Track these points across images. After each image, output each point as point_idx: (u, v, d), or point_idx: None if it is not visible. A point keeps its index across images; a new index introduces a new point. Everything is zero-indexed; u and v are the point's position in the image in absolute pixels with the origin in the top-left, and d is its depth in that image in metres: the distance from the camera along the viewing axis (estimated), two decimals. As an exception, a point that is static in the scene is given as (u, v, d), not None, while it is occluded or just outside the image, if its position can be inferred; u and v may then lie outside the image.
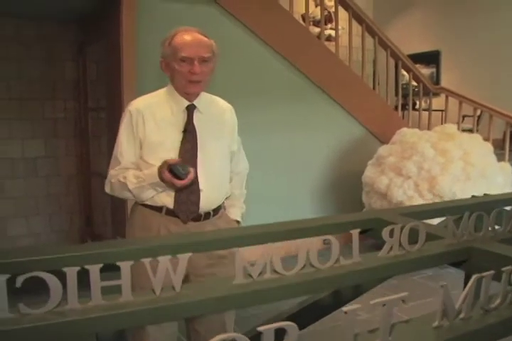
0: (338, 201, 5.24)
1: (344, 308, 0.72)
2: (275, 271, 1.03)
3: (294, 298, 1.62)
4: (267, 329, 0.67)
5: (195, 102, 2.09)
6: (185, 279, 2.02)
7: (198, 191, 2.05)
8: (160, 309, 0.93)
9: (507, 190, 4.26)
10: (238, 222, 2.29)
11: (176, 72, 2.01)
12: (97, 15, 4.15)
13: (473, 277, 0.83)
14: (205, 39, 2.03)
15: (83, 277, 0.92)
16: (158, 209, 2.05)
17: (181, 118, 2.08)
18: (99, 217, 4.90)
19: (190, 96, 2.08)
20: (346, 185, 5.22)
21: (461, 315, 0.84)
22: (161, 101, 2.09)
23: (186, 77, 2.00)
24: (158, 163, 1.96)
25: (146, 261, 0.95)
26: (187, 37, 2.00)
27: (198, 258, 2.00)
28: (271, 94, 4.66)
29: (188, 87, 2.03)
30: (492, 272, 0.86)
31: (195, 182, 2.02)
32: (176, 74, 2.02)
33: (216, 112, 2.19)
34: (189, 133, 2.06)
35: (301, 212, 4.74)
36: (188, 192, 2.03)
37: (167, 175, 1.89)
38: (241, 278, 1.01)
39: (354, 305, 0.73)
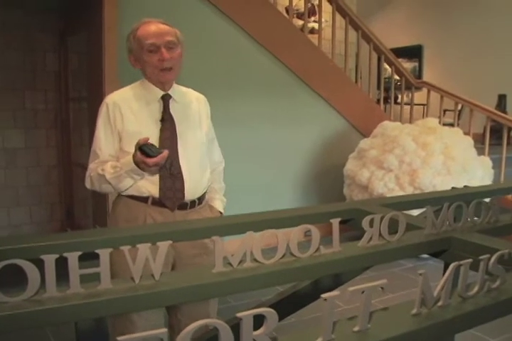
0: (320, 193, 5.26)
1: (323, 295, 0.72)
2: (255, 260, 1.03)
3: (275, 290, 1.62)
4: (246, 315, 0.67)
5: (169, 92, 2.11)
6: (172, 269, 2.04)
7: (181, 177, 2.06)
8: (139, 297, 0.93)
9: (486, 184, 4.30)
10: (221, 213, 2.30)
11: (146, 63, 2.02)
12: (79, 5, 4.09)
13: (452, 265, 0.84)
14: (168, 27, 2.06)
15: (62, 267, 0.91)
16: (144, 199, 2.05)
17: (157, 108, 2.09)
18: (80, 208, 4.86)
19: (164, 85, 2.09)
20: (328, 177, 5.24)
21: (439, 303, 0.85)
22: (136, 94, 2.11)
23: (157, 66, 2.01)
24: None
25: (125, 248, 0.95)
26: (150, 27, 2.02)
27: (184, 247, 2.02)
28: (253, 86, 4.65)
29: (161, 76, 2.04)
30: (470, 260, 0.87)
31: (172, 165, 2.04)
32: (146, 66, 2.03)
33: (191, 102, 2.21)
34: (166, 121, 2.08)
35: (283, 204, 4.75)
36: (173, 179, 2.04)
37: (138, 154, 1.89)
38: (220, 266, 1.00)
39: (333, 292, 0.73)
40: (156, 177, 2.03)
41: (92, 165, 2.09)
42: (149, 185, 2.04)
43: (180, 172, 2.06)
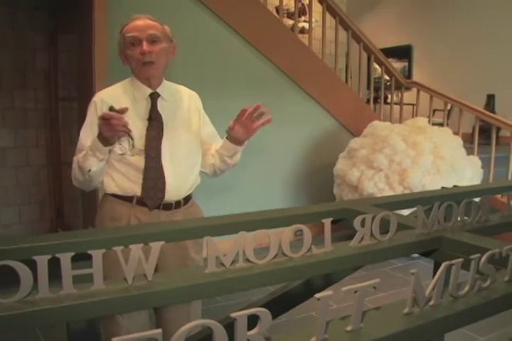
0: (310, 193, 5.27)
1: (316, 295, 0.72)
2: (247, 260, 1.03)
3: (266, 290, 1.63)
4: (240, 315, 0.67)
5: (158, 90, 2.09)
6: (156, 270, 2.02)
7: (163, 177, 2.04)
8: (132, 298, 0.93)
9: (475, 183, 4.33)
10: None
11: (130, 58, 2.02)
12: (69, 5, 4.08)
13: (443, 264, 0.85)
14: (155, 22, 2.05)
15: (54, 268, 0.91)
16: (129, 199, 2.04)
17: (145, 106, 2.08)
18: (70, 208, 4.85)
19: (151, 83, 2.07)
20: (318, 177, 5.25)
21: (431, 302, 0.85)
22: (124, 91, 2.10)
23: (139, 60, 1.99)
24: (125, 152, 2.01)
25: (118, 249, 0.95)
26: (136, 22, 2.02)
27: (169, 248, 2.00)
28: (244, 86, 4.65)
29: (143, 70, 2.02)
30: (461, 260, 0.87)
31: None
32: (130, 60, 2.02)
33: (181, 101, 2.19)
34: (154, 120, 2.06)
35: (272, 203, 4.76)
36: (155, 179, 2.03)
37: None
38: (213, 266, 1.01)
39: (326, 292, 0.73)
40: (140, 177, 2.03)
41: (75, 159, 2.07)
42: (133, 185, 2.03)
43: (162, 172, 2.05)
